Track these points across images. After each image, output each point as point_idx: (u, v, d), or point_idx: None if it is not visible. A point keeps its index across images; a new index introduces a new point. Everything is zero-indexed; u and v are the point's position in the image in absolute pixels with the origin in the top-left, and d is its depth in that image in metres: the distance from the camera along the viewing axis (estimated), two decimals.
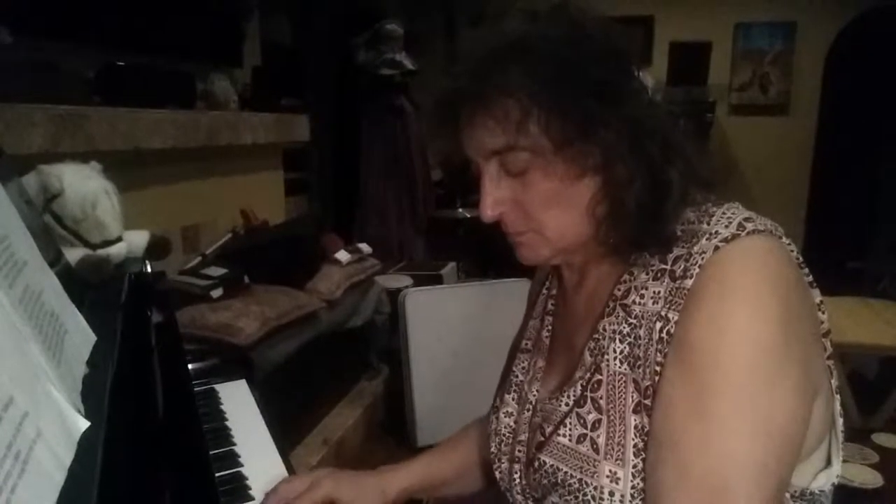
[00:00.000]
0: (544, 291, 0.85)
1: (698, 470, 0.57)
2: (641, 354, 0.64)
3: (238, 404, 1.07)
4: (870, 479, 1.52)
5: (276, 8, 3.40)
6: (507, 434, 0.80)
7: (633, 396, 0.64)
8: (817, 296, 0.65)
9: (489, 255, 3.78)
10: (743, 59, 4.96)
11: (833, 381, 0.66)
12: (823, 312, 0.65)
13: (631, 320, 0.66)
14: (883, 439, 1.74)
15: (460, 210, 4.16)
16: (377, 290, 2.77)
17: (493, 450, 0.81)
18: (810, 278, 0.65)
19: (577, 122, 0.61)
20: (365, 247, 2.79)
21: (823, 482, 0.67)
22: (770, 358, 0.57)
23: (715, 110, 4.86)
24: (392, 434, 2.64)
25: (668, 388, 0.60)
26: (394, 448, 2.55)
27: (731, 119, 4.97)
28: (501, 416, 0.81)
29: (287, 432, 1.98)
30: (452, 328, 2.55)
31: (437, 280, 3.21)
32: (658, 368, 0.62)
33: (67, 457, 0.47)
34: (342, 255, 2.59)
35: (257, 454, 0.93)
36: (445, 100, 0.68)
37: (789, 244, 0.63)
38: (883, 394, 2.41)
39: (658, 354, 0.62)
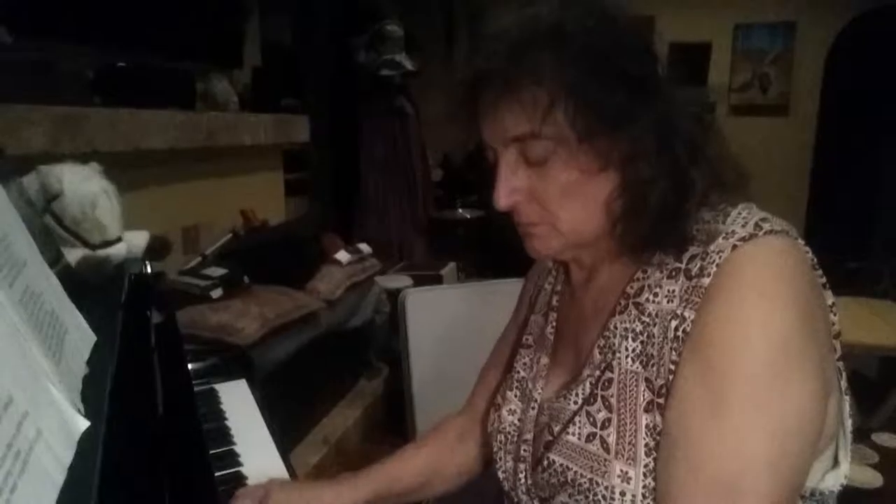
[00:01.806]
0: (547, 287, 0.84)
1: (713, 468, 0.56)
2: (655, 353, 0.63)
3: (238, 404, 1.07)
4: (870, 479, 1.51)
5: (276, 8, 3.39)
6: (512, 432, 0.78)
7: (644, 395, 0.63)
8: (830, 297, 0.65)
9: (489, 255, 3.78)
10: (743, 60, 4.96)
11: (842, 383, 0.65)
12: (835, 314, 0.65)
13: (644, 318, 0.65)
14: (883, 439, 1.74)
15: (460, 210, 4.17)
16: (377, 290, 2.77)
17: (495, 448, 0.80)
18: (824, 280, 0.64)
19: (606, 115, 0.60)
20: (365, 247, 2.79)
21: (832, 482, 0.66)
22: (787, 356, 0.57)
23: (715, 110, 4.86)
24: (392, 434, 2.64)
25: (684, 385, 0.60)
26: (394, 448, 2.55)
27: (730, 119, 4.97)
28: (504, 413, 0.80)
29: (287, 432, 1.98)
30: (452, 328, 2.55)
31: (437, 280, 3.21)
32: (672, 367, 0.61)
33: (67, 457, 0.46)
34: (342, 256, 2.59)
35: (257, 454, 0.93)
36: (472, 80, 0.65)
37: (804, 245, 0.63)
38: (883, 394, 2.40)
39: (673, 353, 0.61)
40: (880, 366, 2.69)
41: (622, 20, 0.63)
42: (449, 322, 2.58)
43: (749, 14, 4.88)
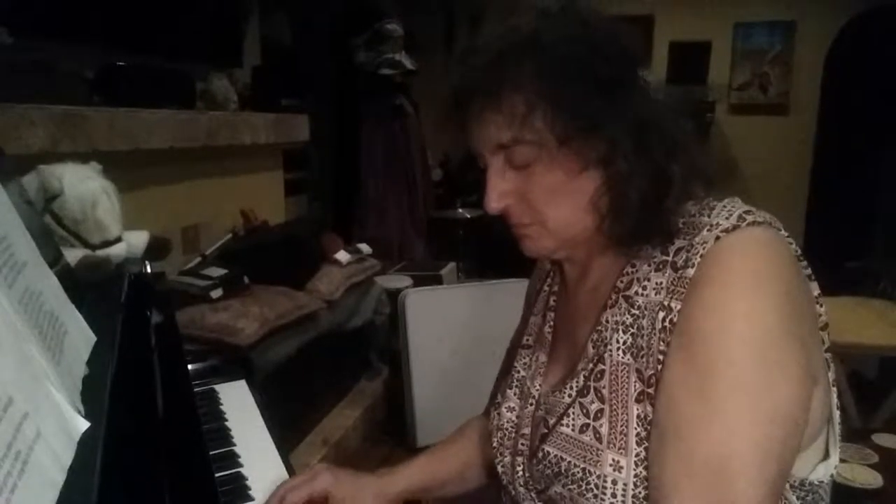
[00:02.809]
0: (545, 288, 0.86)
1: (701, 455, 0.57)
2: (644, 344, 0.65)
3: (238, 404, 1.07)
4: (870, 479, 1.52)
5: (276, 8, 3.39)
6: (510, 428, 0.80)
7: (635, 386, 0.65)
8: (815, 289, 0.66)
9: (489, 255, 3.78)
10: (743, 59, 4.96)
11: (830, 374, 0.66)
12: (821, 305, 0.66)
13: (634, 311, 0.67)
14: (883, 439, 1.74)
15: (460, 210, 4.16)
16: (377, 290, 2.77)
17: (494, 444, 0.81)
18: (809, 271, 0.65)
19: (581, 119, 0.62)
20: (365, 247, 2.79)
21: (822, 473, 0.67)
22: (770, 344, 0.58)
23: (715, 110, 4.87)
24: (392, 434, 2.64)
25: (671, 375, 0.61)
26: (394, 448, 2.55)
27: (730, 119, 4.97)
28: (503, 410, 0.82)
29: (287, 432, 1.98)
30: (452, 328, 2.55)
31: (437, 280, 3.21)
32: (661, 357, 0.62)
33: (67, 457, 0.47)
34: (342, 256, 2.59)
35: (257, 454, 0.93)
36: (456, 94, 0.69)
37: (788, 237, 0.64)
38: (883, 394, 2.40)
39: (661, 343, 0.63)
40: (880, 366, 2.69)
41: (599, 27, 0.65)
42: (449, 322, 2.59)
43: (749, 13, 4.88)
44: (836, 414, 0.67)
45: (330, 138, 3.66)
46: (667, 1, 4.93)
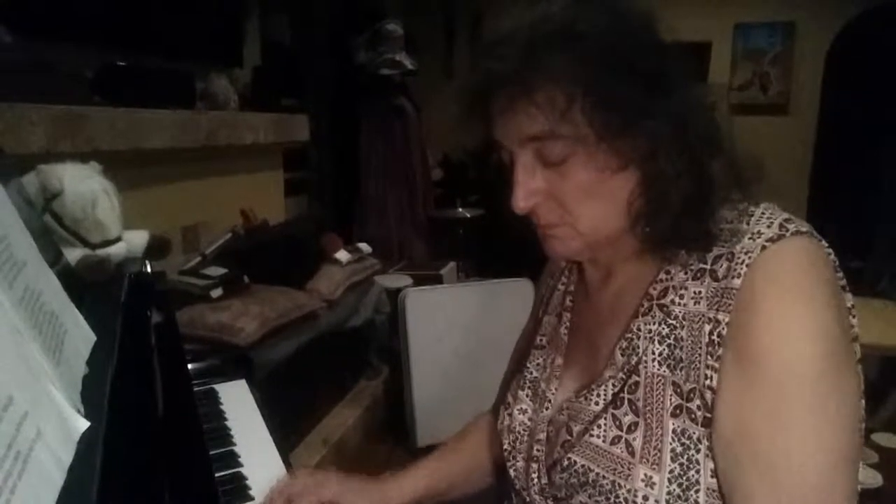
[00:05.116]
0: (560, 287, 0.83)
1: (789, 480, 0.56)
2: (684, 357, 0.62)
3: (238, 404, 1.07)
4: (870, 479, 1.52)
5: (276, 8, 3.39)
6: (522, 431, 0.77)
7: (671, 399, 0.62)
8: (849, 299, 0.64)
9: (489, 254, 3.78)
10: (743, 59, 4.96)
11: (861, 384, 0.65)
12: (854, 316, 0.64)
13: (671, 321, 0.64)
14: (883, 439, 1.74)
15: (460, 210, 4.16)
16: (377, 290, 2.77)
17: (506, 447, 0.79)
18: (844, 282, 0.64)
19: (623, 113, 0.59)
20: (365, 246, 2.79)
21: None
22: (836, 356, 0.57)
23: (715, 110, 4.86)
24: (392, 434, 2.64)
25: (733, 395, 0.59)
26: (394, 448, 2.55)
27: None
28: (515, 413, 0.79)
29: (287, 432, 1.98)
30: (452, 328, 2.55)
31: (437, 280, 3.21)
32: (708, 371, 0.60)
33: (67, 457, 0.46)
34: (342, 255, 2.59)
35: (257, 454, 0.93)
36: (484, 83, 0.64)
37: (827, 246, 0.63)
38: (883, 394, 2.41)
39: (709, 357, 0.60)
40: (880, 366, 2.70)
41: (634, 16, 0.62)
42: (449, 322, 2.59)
43: (749, 13, 4.88)
44: (863, 425, 0.66)
45: (330, 138, 3.66)
46: (667, 1, 4.93)
